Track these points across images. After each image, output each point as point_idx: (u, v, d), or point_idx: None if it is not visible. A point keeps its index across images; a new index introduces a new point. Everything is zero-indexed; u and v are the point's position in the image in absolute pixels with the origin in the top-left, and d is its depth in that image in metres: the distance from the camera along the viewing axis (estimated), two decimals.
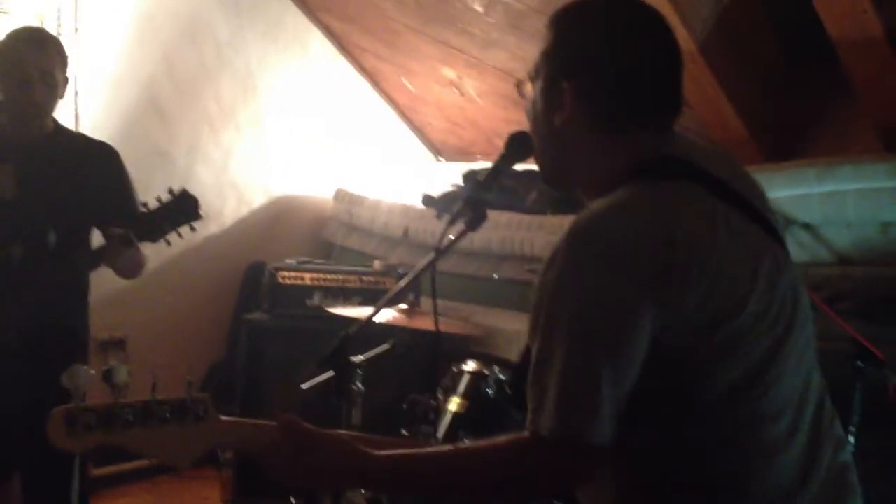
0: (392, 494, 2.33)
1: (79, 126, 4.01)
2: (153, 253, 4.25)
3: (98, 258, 2.56)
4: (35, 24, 3.95)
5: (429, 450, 1.31)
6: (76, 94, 4.01)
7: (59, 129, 2.78)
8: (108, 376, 1.42)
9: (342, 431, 1.42)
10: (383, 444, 1.36)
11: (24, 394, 2.57)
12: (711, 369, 1.19)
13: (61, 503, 2.75)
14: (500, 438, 1.23)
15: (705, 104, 3.36)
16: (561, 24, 1.37)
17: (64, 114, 3.97)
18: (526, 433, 1.18)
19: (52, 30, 3.95)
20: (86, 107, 4.07)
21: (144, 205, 2.50)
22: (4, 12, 3.91)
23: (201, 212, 2.54)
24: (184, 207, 2.50)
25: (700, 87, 3.26)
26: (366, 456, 1.27)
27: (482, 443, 1.26)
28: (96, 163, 2.75)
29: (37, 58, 2.56)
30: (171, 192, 2.50)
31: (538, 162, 1.44)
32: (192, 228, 2.55)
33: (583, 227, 1.21)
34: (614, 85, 1.31)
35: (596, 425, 1.14)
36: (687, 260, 1.17)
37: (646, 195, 1.24)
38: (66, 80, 2.68)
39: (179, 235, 2.54)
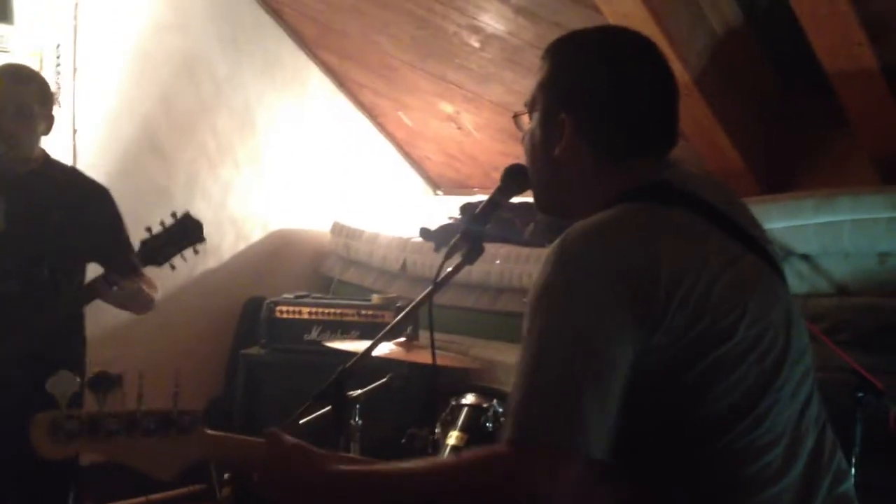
0: None
1: (76, 162, 4.02)
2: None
3: (88, 294, 2.58)
4: (34, 62, 3.99)
5: (403, 464, 1.27)
6: (75, 131, 4.04)
7: (49, 163, 2.79)
8: (94, 384, 1.41)
9: (342, 454, 1.41)
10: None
11: (20, 429, 2.56)
12: (700, 396, 1.18)
13: None
14: (476, 450, 1.20)
15: (701, 136, 3.38)
16: (557, 56, 1.39)
17: (62, 150, 4.01)
18: (501, 446, 1.14)
19: (50, 68, 3.99)
20: (84, 143, 4.09)
21: (148, 230, 2.53)
22: (5, 51, 3.95)
23: (205, 235, 2.58)
24: (187, 231, 2.54)
25: (695, 118, 3.28)
26: (338, 470, 1.28)
27: (456, 456, 1.26)
28: (87, 199, 2.77)
29: (13, 91, 2.59)
30: (174, 216, 2.54)
31: (534, 191, 1.46)
32: (196, 251, 2.58)
33: (569, 241, 1.21)
34: (612, 116, 1.33)
35: (580, 435, 1.10)
36: (671, 282, 1.16)
37: (635, 215, 1.24)
38: (49, 117, 2.70)
39: (184, 259, 2.57)
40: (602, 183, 1.33)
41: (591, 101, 1.33)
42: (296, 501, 1.35)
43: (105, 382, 1.35)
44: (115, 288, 2.52)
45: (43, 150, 2.76)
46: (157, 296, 2.80)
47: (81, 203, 2.73)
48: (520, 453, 1.12)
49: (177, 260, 2.57)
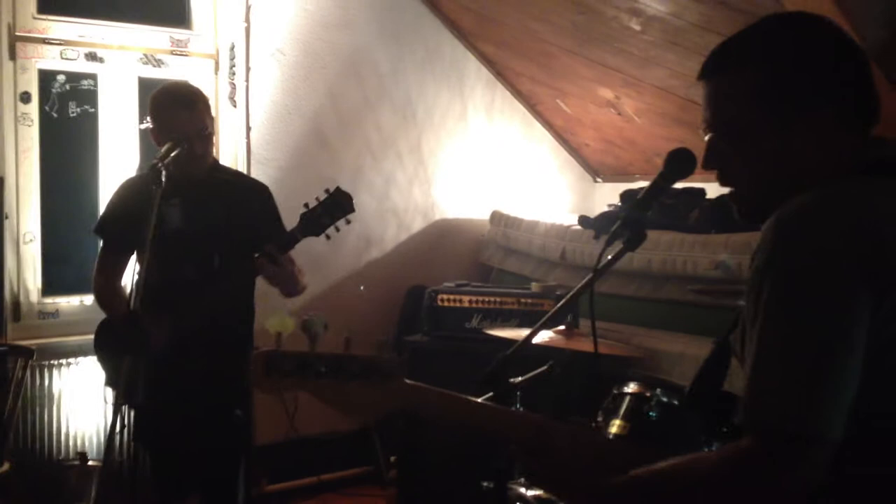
0: None
1: (250, 158, 4.24)
2: (320, 278, 4.43)
3: (252, 271, 2.82)
4: (210, 64, 4.23)
5: (662, 468, 1.28)
6: (249, 129, 4.25)
7: (217, 168, 3.10)
8: (307, 326, 1.54)
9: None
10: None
11: (199, 412, 2.78)
12: None
13: None
14: (717, 452, 1.21)
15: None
16: (758, 59, 1.34)
17: (238, 147, 4.23)
18: (745, 441, 1.15)
19: (225, 69, 4.21)
20: (258, 140, 4.30)
21: (305, 205, 2.80)
22: (184, 54, 4.20)
23: (355, 205, 2.83)
24: (339, 203, 2.80)
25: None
26: (608, 483, 1.31)
27: (709, 456, 1.24)
28: (250, 198, 3.04)
29: (191, 118, 2.85)
30: (327, 191, 2.81)
31: (747, 201, 1.39)
32: (348, 221, 2.84)
33: (791, 212, 1.19)
34: (834, 100, 1.30)
35: (825, 418, 1.10)
36: (892, 254, 1.14)
37: (858, 187, 1.22)
38: (212, 120, 2.99)
39: (337, 229, 2.83)
40: (827, 168, 1.30)
41: (814, 91, 1.30)
42: (556, 487, 1.40)
43: (316, 325, 1.44)
44: (273, 266, 2.75)
45: (214, 158, 3.08)
46: (305, 282, 3.03)
47: (245, 202, 3.00)
48: (765, 446, 1.13)
49: (343, 253, 2.77)
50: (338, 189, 2.81)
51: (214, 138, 3.29)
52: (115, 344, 2.79)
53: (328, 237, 2.82)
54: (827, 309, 1.12)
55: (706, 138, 1.39)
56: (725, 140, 1.36)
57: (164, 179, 2.62)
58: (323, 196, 2.79)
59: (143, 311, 2.60)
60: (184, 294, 2.80)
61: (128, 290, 2.82)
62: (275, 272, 2.77)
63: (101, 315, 3.02)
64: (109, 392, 2.70)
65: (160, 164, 2.62)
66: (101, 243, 3.11)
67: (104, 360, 2.96)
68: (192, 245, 2.90)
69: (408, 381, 1.36)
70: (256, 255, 2.76)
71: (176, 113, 2.83)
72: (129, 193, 2.98)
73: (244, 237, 2.91)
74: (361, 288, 4.62)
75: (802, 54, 1.31)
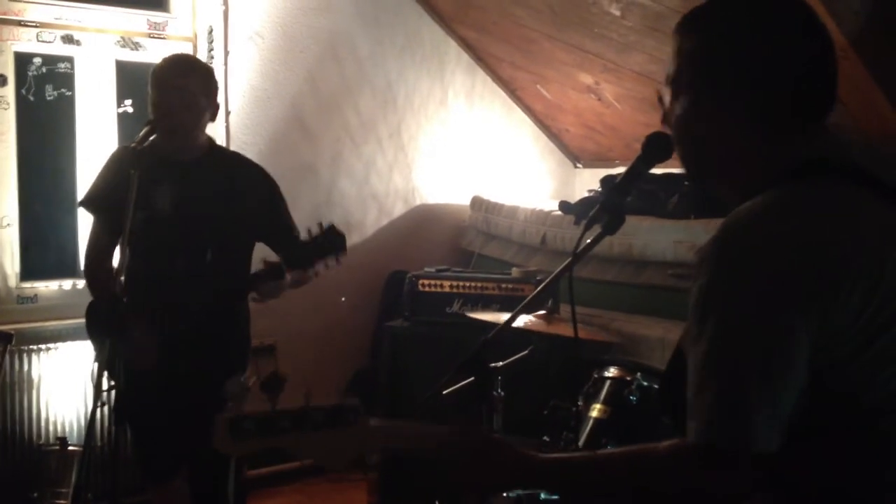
0: (555, 494, 2.39)
1: (230, 143, 4.22)
2: None
3: (247, 286, 2.75)
4: (188, 47, 4.19)
5: (596, 454, 1.36)
6: (228, 112, 4.23)
7: (214, 150, 2.91)
8: (266, 386, 1.54)
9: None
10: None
11: (189, 396, 2.74)
12: (869, 380, 1.15)
13: (219, 495, 2.91)
14: (662, 444, 1.23)
15: (858, 100, 3.20)
16: (707, 26, 1.33)
17: (216, 131, 4.20)
18: (686, 439, 1.18)
19: (203, 52, 4.18)
20: (236, 124, 4.28)
21: (296, 237, 2.72)
22: (161, 37, 4.17)
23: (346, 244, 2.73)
24: (332, 241, 2.69)
25: (852, 82, 3.11)
26: (535, 458, 1.33)
27: (641, 448, 1.27)
28: (249, 184, 2.87)
29: (178, 81, 2.71)
30: (320, 226, 2.68)
31: (685, 164, 1.40)
32: (338, 261, 2.72)
33: (731, 230, 1.19)
34: (770, 87, 1.27)
35: (754, 432, 1.12)
36: (842, 268, 1.13)
37: (796, 200, 1.20)
38: (213, 105, 2.81)
39: (326, 266, 2.71)
40: (761, 157, 1.28)
41: (747, 73, 1.27)
42: (494, 487, 1.42)
43: (275, 383, 1.45)
44: (281, 279, 2.69)
45: (209, 138, 2.89)
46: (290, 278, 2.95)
47: (244, 188, 2.84)
48: (699, 450, 1.16)
49: (320, 268, 2.72)
50: (332, 227, 2.69)
51: None
52: (97, 327, 2.74)
53: (317, 274, 2.74)
54: (766, 328, 1.13)
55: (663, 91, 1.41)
56: (674, 98, 1.37)
57: (139, 160, 2.51)
58: (315, 230, 2.67)
59: (130, 310, 2.55)
60: (172, 294, 2.69)
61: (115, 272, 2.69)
62: (273, 295, 2.75)
63: (81, 299, 2.98)
64: (94, 375, 2.63)
65: (137, 147, 2.52)
66: (92, 221, 2.94)
67: (94, 341, 2.89)
68: (183, 234, 2.75)
69: (372, 421, 1.36)
70: (252, 293, 2.71)
71: (165, 75, 2.71)
72: (119, 166, 2.74)
73: (242, 229, 2.81)
74: (343, 300, 4.61)
75: (753, 35, 1.28)
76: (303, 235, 2.68)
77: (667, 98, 1.39)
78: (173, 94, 2.69)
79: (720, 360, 1.15)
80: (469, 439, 1.36)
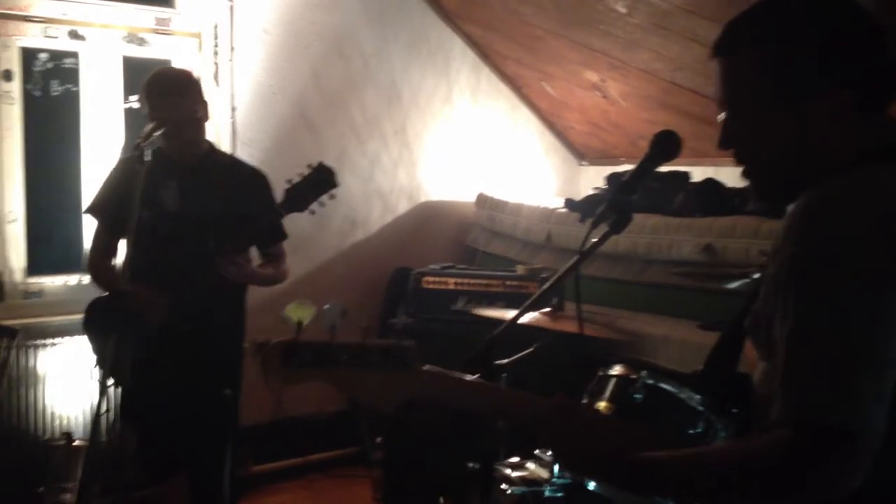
0: (652, 495, 2.37)
1: (235, 139, 4.22)
2: (306, 260, 4.43)
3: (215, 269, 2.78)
4: (193, 43, 4.20)
5: (695, 452, 1.29)
6: (233, 109, 4.23)
7: (214, 152, 3.09)
8: (325, 314, 1.53)
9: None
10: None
11: (188, 393, 2.79)
12: None
13: (214, 491, 2.96)
14: (754, 439, 1.18)
15: None
16: (762, 32, 1.31)
17: (223, 128, 4.21)
18: (785, 431, 1.13)
19: (209, 49, 4.18)
20: (242, 121, 4.28)
21: (289, 181, 2.78)
22: (167, 33, 4.17)
23: (338, 181, 2.83)
24: (323, 177, 2.79)
25: None
26: (640, 458, 1.28)
27: (742, 441, 1.23)
28: (247, 186, 3.04)
29: (180, 104, 2.87)
30: (309, 166, 2.80)
31: (766, 172, 1.36)
32: (332, 196, 2.82)
33: (820, 202, 1.18)
34: (847, 78, 1.26)
35: (865, 410, 1.09)
36: None
37: (885, 176, 1.20)
38: (206, 106, 2.98)
39: (321, 204, 2.81)
40: (845, 145, 1.27)
41: (826, 69, 1.26)
42: (586, 469, 1.38)
43: (334, 313, 1.43)
44: (231, 267, 2.76)
45: (209, 142, 3.07)
46: (285, 266, 3.09)
47: (243, 189, 3.01)
48: (802, 436, 1.12)
49: (328, 235, 2.78)
50: (321, 164, 2.81)
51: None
52: (103, 322, 2.78)
53: (312, 212, 2.82)
54: (861, 300, 1.11)
55: (720, 117, 1.37)
56: (739, 119, 1.34)
57: (146, 158, 2.63)
58: (306, 171, 2.80)
59: (133, 292, 2.63)
60: (176, 274, 2.78)
61: (120, 269, 2.81)
62: (233, 273, 2.78)
63: (86, 295, 3.02)
64: (97, 371, 2.68)
65: (142, 143, 2.64)
66: (96, 223, 3.09)
67: (93, 340, 2.94)
68: (188, 229, 2.90)
69: (426, 368, 1.34)
70: (215, 254, 2.76)
71: (165, 100, 2.85)
72: (123, 176, 2.95)
73: (239, 228, 2.89)
74: (326, 307, 4.60)
75: (815, 31, 1.27)
76: (294, 180, 2.78)
77: (728, 120, 1.36)
78: (179, 118, 2.85)
79: (825, 335, 1.12)
80: (576, 416, 1.34)
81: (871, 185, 1.18)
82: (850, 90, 1.27)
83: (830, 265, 1.13)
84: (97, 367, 2.83)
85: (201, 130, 2.99)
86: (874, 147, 1.25)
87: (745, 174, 1.37)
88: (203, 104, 2.96)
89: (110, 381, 2.58)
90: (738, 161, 1.37)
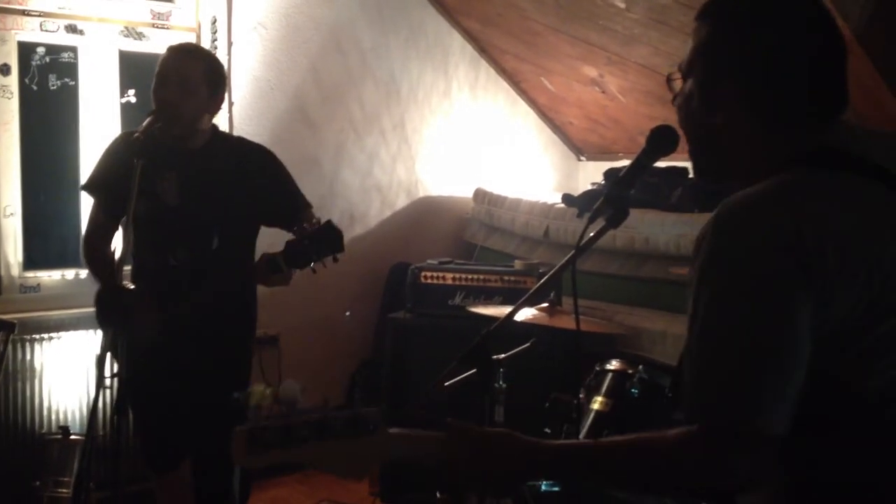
0: (564, 481, 2.35)
1: (232, 133, 4.21)
2: None
3: (251, 277, 2.71)
4: (191, 37, 4.19)
5: (605, 441, 1.32)
6: (231, 103, 4.22)
7: (218, 137, 2.90)
8: (283, 394, 1.50)
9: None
10: None
11: (195, 387, 2.74)
12: (868, 367, 1.14)
13: (224, 488, 2.91)
14: (671, 432, 1.21)
15: (863, 95, 3.19)
16: (718, 17, 1.33)
17: (220, 123, 4.20)
18: (693, 427, 1.16)
19: (206, 42, 4.17)
20: (239, 115, 4.27)
21: (294, 231, 2.64)
22: (165, 27, 4.16)
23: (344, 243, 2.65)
24: (328, 239, 2.60)
25: (857, 76, 3.09)
26: (539, 445, 1.30)
27: (648, 436, 1.25)
28: (254, 166, 2.86)
29: (178, 63, 2.70)
30: (317, 222, 2.62)
31: (692, 156, 1.39)
32: (335, 259, 2.64)
33: (730, 209, 1.19)
34: (778, 81, 1.27)
35: (767, 414, 1.11)
36: (839, 252, 1.13)
37: (797, 184, 1.20)
38: (215, 96, 2.78)
39: (324, 265, 2.64)
40: (766, 149, 1.28)
41: (756, 66, 1.27)
42: (497, 482, 1.36)
43: (292, 391, 1.42)
44: (280, 273, 2.62)
45: (212, 126, 2.87)
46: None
47: (249, 170, 2.83)
48: (704, 435, 1.14)
49: (317, 266, 2.64)
50: (329, 223, 2.62)
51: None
52: (100, 315, 2.73)
53: (314, 271, 2.65)
54: (767, 306, 1.13)
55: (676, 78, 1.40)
56: (691, 85, 1.35)
57: (142, 149, 2.51)
58: (312, 226, 2.62)
59: (135, 296, 2.55)
60: (178, 283, 2.67)
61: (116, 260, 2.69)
62: (274, 281, 2.65)
63: (83, 289, 2.97)
64: (108, 362, 2.60)
65: (140, 137, 2.52)
66: (92, 201, 2.94)
67: (103, 329, 2.82)
68: (190, 224, 2.74)
69: (393, 431, 1.33)
70: (263, 260, 2.62)
71: (167, 57, 2.72)
72: (121, 152, 2.75)
73: (250, 210, 2.80)
74: (347, 314, 4.61)
75: (761, 26, 1.28)
76: (299, 235, 2.62)
77: (677, 82, 1.39)
78: (174, 82, 2.68)
79: (728, 337, 1.14)
80: (467, 435, 1.33)
81: (783, 194, 1.19)
82: (780, 92, 1.27)
83: (738, 272, 1.15)
84: (110, 356, 2.65)
85: (202, 111, 2.78)
86: (794, 151, 1.25)
87: (686, 138, 1.40)
88: (214, 87, 2.77)
89: (112, 372, 2.51)
90: (679, 125, 1.41)
